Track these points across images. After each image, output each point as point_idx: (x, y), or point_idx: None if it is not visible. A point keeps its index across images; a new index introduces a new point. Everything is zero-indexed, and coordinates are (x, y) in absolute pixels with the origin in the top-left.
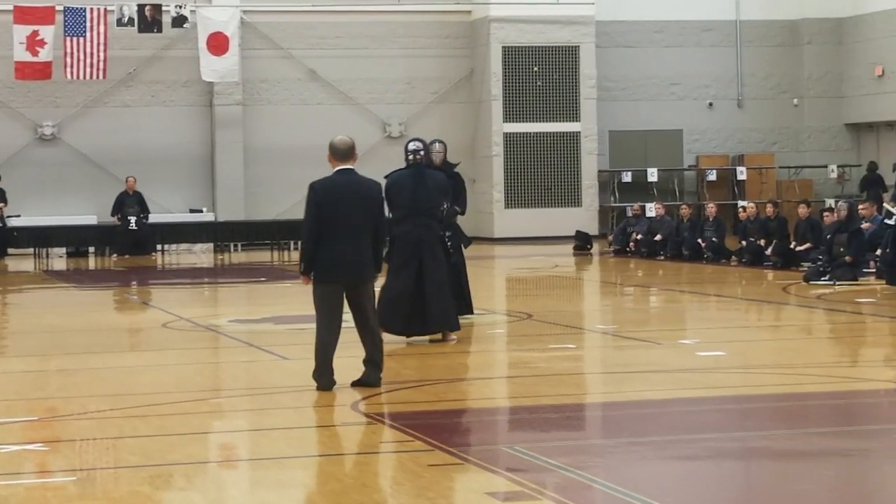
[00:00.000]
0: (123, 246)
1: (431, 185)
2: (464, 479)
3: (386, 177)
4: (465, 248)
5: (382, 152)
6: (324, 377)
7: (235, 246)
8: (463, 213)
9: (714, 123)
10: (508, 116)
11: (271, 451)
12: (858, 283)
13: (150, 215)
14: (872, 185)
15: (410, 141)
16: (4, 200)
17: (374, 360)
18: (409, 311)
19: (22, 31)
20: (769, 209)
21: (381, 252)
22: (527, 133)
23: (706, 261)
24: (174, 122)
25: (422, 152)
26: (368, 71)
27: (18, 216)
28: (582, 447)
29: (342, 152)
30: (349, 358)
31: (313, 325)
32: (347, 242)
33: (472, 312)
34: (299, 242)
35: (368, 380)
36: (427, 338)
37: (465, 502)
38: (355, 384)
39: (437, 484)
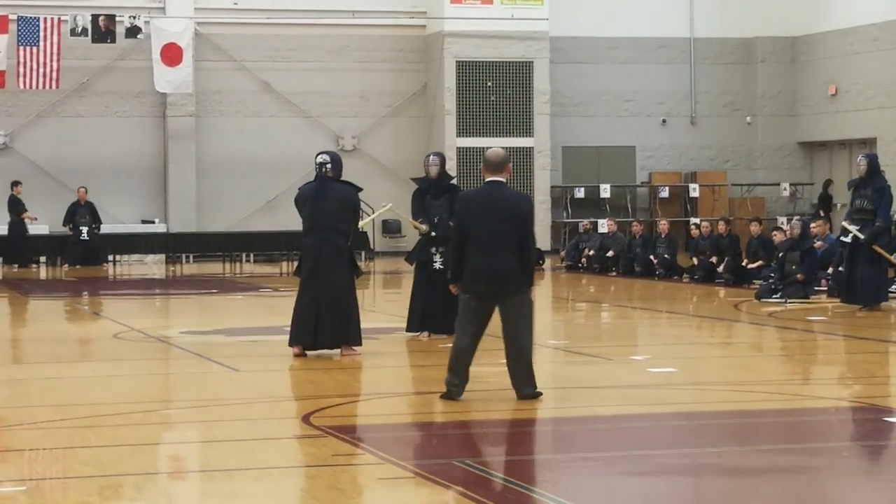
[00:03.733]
0: (75, 256)
1: (334, 199)
2: (414, 492)
3: (299, 189)
4: None
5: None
6: (448, 384)
7: (187, 257)
8: None
9: (667, 140)
10: (462, 131)
11: (221, 463)
12: (810, 301)
13: (102, 226)
14: (823, 202)
15: (319, 154)
16: None
17: (516, 375)
18: (315, 324)
19: None
20: (721, 226)
21: (531, 266)
22: (480, 148)
23: (658, 277)
24: (127, 132)
25: (328, 165)
26: (322, 84)
27: None
28: (532, 462)
29: (494, 164)
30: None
31: (264, 338)
32: (488, 255)
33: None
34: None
35: (520, 394)
36: (358, 350)
37: None
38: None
39: (387, 497)
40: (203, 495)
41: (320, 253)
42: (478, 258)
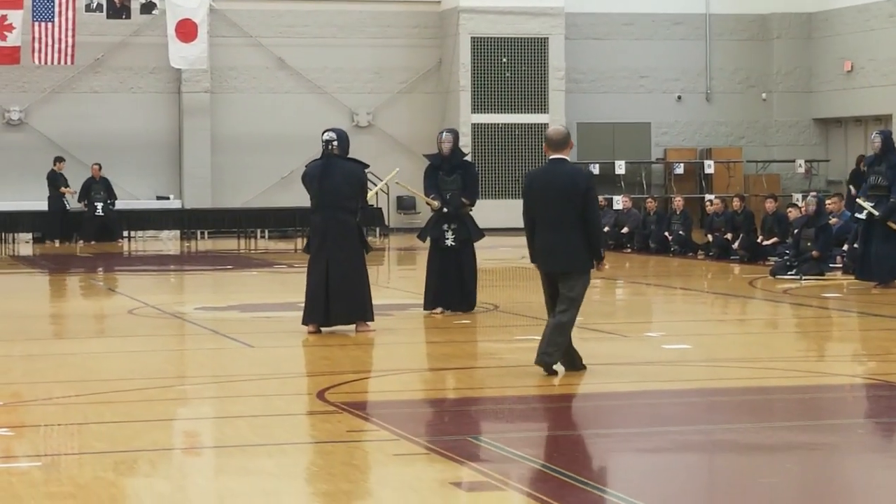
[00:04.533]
0: (90, 232)
1: (340, 177)
2: (428, 468)
3: (306, 166)
4: (476, 241)
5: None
6: (540, 356)
7: (202, 233)
8: (472, 204)
9: (682, 117)
10: (476, 107)
11: (236, 439)
12: (825, 277)
13: (117, 202)
14: (856, 179)
15: (326, 131)
16: None
17: (543, 340)
18: (326, 302)
19: None
20: (736, 203)
21: (596, 242)
22: (495, 124)
23: (673, 254)
24: (142, 108)
25: (335, 142)
26: (337, 60)
27: None
28: (547, 438)
29: (555, 142)
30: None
31: (278, 314)
32: (549, 232)
33: (470, 309)
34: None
35: (538, 358)
36: (371, 326)
37: (429, 492)
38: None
39: (401, 473)
40: (218, 471)
41: (328, 230)
42: (541, 236)
